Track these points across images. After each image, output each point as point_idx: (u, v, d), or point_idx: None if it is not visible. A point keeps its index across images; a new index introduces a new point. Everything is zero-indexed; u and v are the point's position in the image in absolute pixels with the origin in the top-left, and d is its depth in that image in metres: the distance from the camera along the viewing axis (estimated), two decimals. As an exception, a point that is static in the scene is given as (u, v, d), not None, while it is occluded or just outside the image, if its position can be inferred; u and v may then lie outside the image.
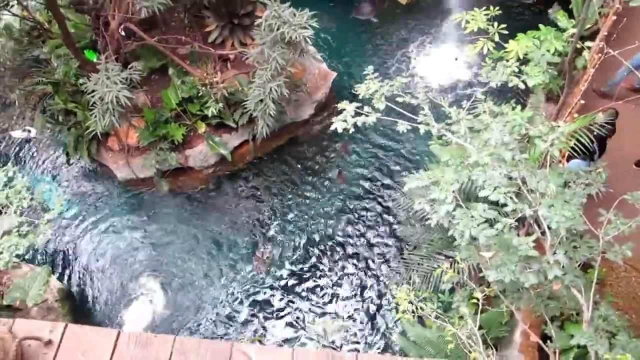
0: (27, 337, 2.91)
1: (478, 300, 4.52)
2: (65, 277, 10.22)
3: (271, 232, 10.30)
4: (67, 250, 10.53)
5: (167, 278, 9.95)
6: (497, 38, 5.16)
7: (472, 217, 3.84)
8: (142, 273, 10.06)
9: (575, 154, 6.90)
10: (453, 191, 3.98)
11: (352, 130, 4.31)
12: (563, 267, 3.95)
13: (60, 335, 2.90)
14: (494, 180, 3.84)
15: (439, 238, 7.31)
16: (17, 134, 11.62)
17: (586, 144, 6.49)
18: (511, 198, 3.83)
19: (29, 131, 11.72)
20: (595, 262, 4.56)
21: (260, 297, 9.60)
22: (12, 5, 9.46)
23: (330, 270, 9.80)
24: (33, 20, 10.01)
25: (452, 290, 7.34)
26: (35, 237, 7.65)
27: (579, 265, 4.62)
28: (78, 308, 9.76)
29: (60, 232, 10.71)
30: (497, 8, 5.10)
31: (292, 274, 9.80)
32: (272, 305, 9.51)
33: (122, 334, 2.92)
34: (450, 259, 6.51)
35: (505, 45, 5.99)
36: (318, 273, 9.78)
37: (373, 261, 9.78)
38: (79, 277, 10.21)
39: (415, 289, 5.88)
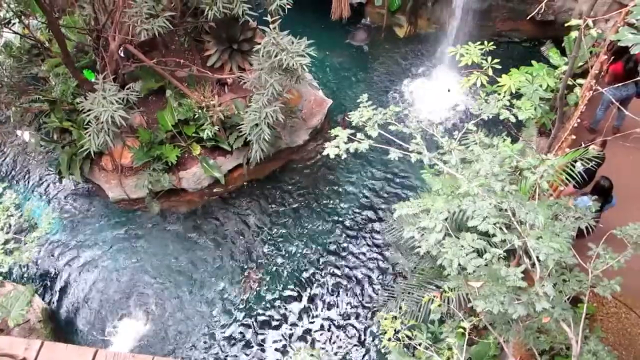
0: (1, 354, 2.82)
1: (465, 330, 4.47)
2: (50, 297, 10.01)
3: (262, 256, 10.20)
4: (53, 269, 10.35)
5: (154, 300, 9.77)
6: (490, 72, 5.27)
7: (461, 246, 3.84)
8: (129, 295, 9.88)
9: (565, 185, 6.98)
10: (443, 220, 3.99)
11: (344, 156, 4.35)
12: (552, 299, 3.93)
13: (36, 353, 2.81)
14: (483, 210, 3.85)
15: (430, 267, 7.27)
16: (27, 135, 11.41)
17: (575, 175, 6.55)
18: (500, 229, 3.84)
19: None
20: (584, 296, 4.54)
21: (247, 321, 9.43)
22: (14, 24, 9.60)
23: (319, 295, 9.67)
24: (33, 39, 10.13)
25: (442, 321, 7.26)
26: (20, 254, 7.53)
27: (568, 299, 4.60)
28: (61, 329, 9.52)
29: (47, 251, 10.55)
30: (491, 43, 5.23)
31: (280, 298, 9.66)
32: (260, 329, 9.33)
33: (100, 353, 2.84)
34: (440, 289, 6.46)
35: (499, 79, 6.12)
36: (307, 298, 9.65)
37: (363, 289, 9.68)
38: (64, 298, 9.99)
39: (403, 317, 5.81)
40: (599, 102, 9.12)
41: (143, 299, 9.82)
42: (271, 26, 8.33)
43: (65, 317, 9.78)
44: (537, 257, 3.82)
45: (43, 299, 9.71)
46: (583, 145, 6.71)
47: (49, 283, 10.19)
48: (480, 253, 3.88)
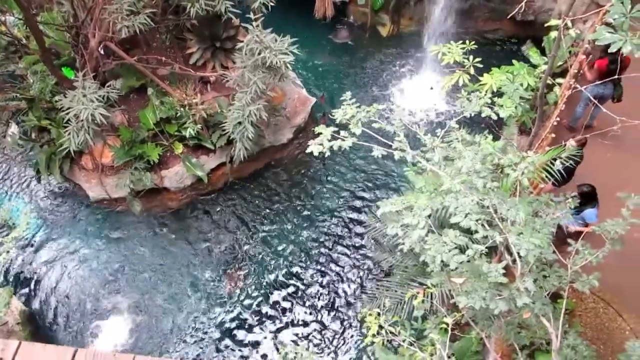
0: (-23, 356, 2.75)
1: (448, 325, 4.52)
2: (29, 299, 9.80)
3: (245, 255, 10.15)
4: (32, 270, 10.13)
5: (136, 301, 9.64)
6: (472, 71, 5.32)
7: (444, 243, 3.87)
8: (109, 296, 9.74)
9: (545, 182, 7.11)
10: (426, 217, 4.02)
11: (328, 153, 4.35)
12: (533, 295, 3.99)
13: (13, 354, 2.74)
14: (465, 207, 3.90)
15: (413, 265, 7.33)
16: (14, 128, 11.06)
17: (555, 173, 6.67)
18: (482, 225, 3.88)
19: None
20: (564, 291, 4.63)
21: (230, 320, 9.37)
22: (-10, 20, 9.37)
23: (302, 293, 9.67)
24: (10, 36, 9.90)
25: (425, 318, 7.32)
26: (-2, 255, 7.36)
27: (548, 295, 4.69)
28: (41, 331, 9.33)
29: (26, 252, 10.32)
30: (473, 42, 5.28)
31: (263, 297, 9.63)
32: (242, 329, 9.29)
33: (79, 352, 2.78)
34: (424, 286, 6.51)
35: (480, 78, 6.19)
36: (290, 296, 9.64)
37: (347, 286, 9.71)
38: (43, 299, 9.79)
39: (387, 314, 5.84)
40: (579, 100, 9.30)
41: (124, 300, 9.68)
42: (254, 24, 8.29)
43: (45, 319, 9.58)
44: (518, 253, 3.88)
45: (21, 301, 9.51)
46: (563, 143, 6.84)
47: (27, 284, 9.98)
48: (462, 249, 3.92)
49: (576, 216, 7.03)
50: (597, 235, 4.77)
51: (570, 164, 6.97)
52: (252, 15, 8.27)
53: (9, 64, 10.49)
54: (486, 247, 3.93)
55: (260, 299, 9.63)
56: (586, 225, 7.08)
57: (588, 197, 7.08)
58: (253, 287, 9.77)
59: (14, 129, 10.60)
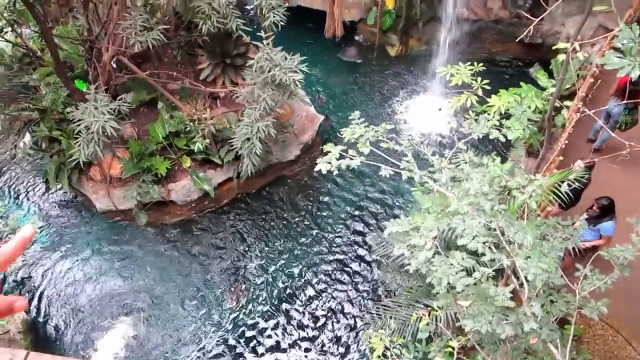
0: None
1: (453, 349, 4.45)
2: (31, 308, 9.79)
3: (250, 270, 10.11)
4: (36, 279, 10.14)
5: (139, 314, 9.60)
6: (480, 92, 5.34)
7: (450, 265, 3.84)
8: (111, 307, 9.70)
9: (552, 204, 7.07)
10: (433, 238, 3.99)
11: (336, 172, 4.36)
12: (540, 320, 3.94)
13: (21, 364, 2.74)
14: (472, 229, 3.87)
15: (418, 286, 7.25)
16: (27, 138, 11.19)
17: (562, 195, 6.64)
18: (490, 248, 3.85)
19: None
20: (571, 317, 4.56)
21: (231, 335, 9.29)
22: (6, 32, 9.57)
23: (307, 310, 9.59)
24: (25, 48, 10.09)
25: (430, 341, 7.23)
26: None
27: (556, 320, 4.61)
28: (41, 341, 9.29)
29: (31, 261, 10.35)
30: (481, 64, 5.32)
31: (267, 312, 9.55)
32: (244, 345, 9.19)
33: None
34: (429, 308, 6.44)
35: (488, 99, 6.21)
36: (294, 313, 9.56)
37: (352, 305, 9.62)
38: (46, 309, 9.78)
39: (392, 336, 5.77)
40: (585, 123, 9.29)
41: (127, 312, 9.64)
42: (265, 42, 8.41)
43: (47, 328, 9.56)
44: (526, 277, 3.84)
45: (25, 311, 9.49)
46: (572, 165, 6.82)
47: (30, 293, 9.98)
48: (469, 272, 3.89)
49: (592, 228, 6.97)
50: (605, 260, 4.72)
51: (578, 187, 6.94)
52: (262, 33, 8.39)
53: (23, 75, 10.69)
54: (493, 270, 3.89)
55: (262, 314, 9.56)
56: (601, 237, 7.03)
57: (607, 210, 7.01)
58: (256, 302, 9.70)
59: (27, 138, 10.73)
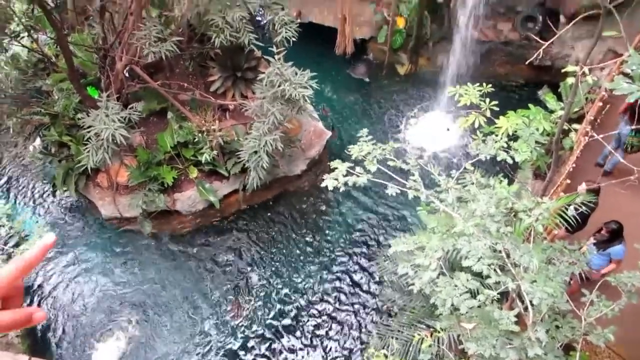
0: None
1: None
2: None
3: (251, 284, 10.07)
4: (37, 284, 10.15)
5: (138, 321, 9.56)
6: (488, 113, 5.36)
7: (455, 286, 3.81)
8: (111, 315, 9.67)
9: (558, 228, 7.02)
10: (438, 258, 3.97)
11: (342, 188, 4.36)
12: (545, 345, 3.88)
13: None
14: (478, 250, 3.85)
15: (421, 306, 7.18)
16: (38, 142, 11.30)
17: (570, 219, 6.59)
18: (495, 270, 3.82)
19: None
20: (577, 344, 4.49)
21: (231, 348, 9.21)
22: (23, 37, 9.74)
23: (307, 327, 9.50)
24: (41, 53, 10.26)
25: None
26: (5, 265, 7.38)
27: (561, 346, 4.55)
28: (39, 346, 9.27)
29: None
30: (490, 85, 5.34)
31: (269, 327, 9.48)
32: (244, 357, 9.14)
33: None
34: (431, 329, 6.37)
35: (496, 120, 6.22)
36: (294, 329, 9.48)
37: (353, 323, 9.53)
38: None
39: (393, 356, 5.70)
40: (593, 147, 9.26)
41: (126, 320, 9.61)
42: (276, 57, 8.49)
43: (45, 333, 9.54)
44: (531, 301, 3.80)
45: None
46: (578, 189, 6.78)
47: (31, 298, 9.98)
48: (473, 294, 3.85)
49: (602, 252, 6.90)
50: (613, 287, 4.67)
51: (585, 211, 6.89)
52: (274, 48, 8.48)
53: (37, 79, 10.85)
54: (498, 293, 3.85)
55: (263, 329, 9.48)
56: (611, 261, 6.96)
57: (616, 234, 6.96)
58: (258, 315, 9.64)
59: (37, 142, 10.86)
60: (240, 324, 9.51)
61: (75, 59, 10.11)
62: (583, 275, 5.28)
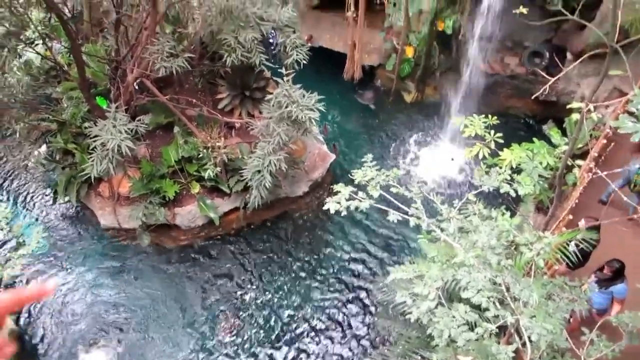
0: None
1: (451, 408, 4.29)
2: (19, 318, 9.63)
3: (244, 303, 9.94)
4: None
5: (129, 333, 9.43)
6: (492, 145, 5.38)
7: (453, 317, 3.76)
8: (101, 324, 9.54)
9: (559, 263, 6.95)
10: (437, 288, 3.93)
11: (344, 212, 4.35)
12: (541, 384, 3.81)
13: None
14: (478, 282, 3.81)
15: (417, 336, 7.07)
16: (44, 148, 11.34)
17: (570, 255, 6.53)
18: (494, 303, 3.78)
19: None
20: (575, 383, 4.40)
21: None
22: (37, 44, 9.90)
23: (298, 352, 9.34)
24: (53, 61, 10.41)
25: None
26: (2, 270, 7.36)
27: (558, 385, 4.46)
28: (26, 353, 9.12)
29: (29, 270, 10.29)
30: (495, 117, 5.38)
31: (260, 347, 9.31)
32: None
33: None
34: (426, 360, 6.26)
35: (500, 152, 6.24)
36: (284, 353, 9.31)
37: (346, 350, 9.36)
38: (36, 321, 9.64)
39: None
40: (597, 184, 9.24)
41: (117, 331, 9.48)
42: (285, 78, 8.59)
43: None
44: (529, 337, 3.74)
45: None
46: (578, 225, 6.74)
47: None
48: (471, 326, 3.80)
49: (604, 291, 6.82)
50: (614, 326, 4.60)
51: (586, 247, 6.83)
52: (283, 70, 8.58)
53: (47, 86, 10.97)
54: (496, 327, 3.80)
55: (255, 348, 9.33)
56: (613, 300, 6.86)
57: (619, 273, 6.89)
58: (249, 336, 9.49)
59: (43, 148, 10.92)
60: (231, 342, 9.36)
61: (87, 69, 10.25)
62: (583, 313, 5.20)
